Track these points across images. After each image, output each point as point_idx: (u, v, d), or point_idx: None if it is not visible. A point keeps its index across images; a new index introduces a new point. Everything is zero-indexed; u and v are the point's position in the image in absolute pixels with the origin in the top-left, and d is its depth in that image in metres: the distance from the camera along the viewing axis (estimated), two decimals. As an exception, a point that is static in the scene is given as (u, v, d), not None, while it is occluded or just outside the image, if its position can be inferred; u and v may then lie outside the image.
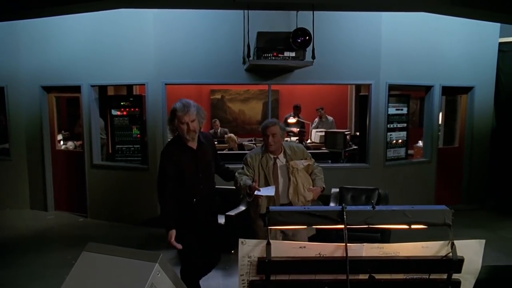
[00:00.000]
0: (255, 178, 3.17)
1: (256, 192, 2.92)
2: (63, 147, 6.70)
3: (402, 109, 5.97)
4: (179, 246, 2.76)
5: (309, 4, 4.48)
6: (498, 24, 6.19)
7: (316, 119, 8.02)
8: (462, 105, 6.61)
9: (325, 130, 7.17)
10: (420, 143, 6.69)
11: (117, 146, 5.79)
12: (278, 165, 3.24)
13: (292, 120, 7.45)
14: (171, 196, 2.86)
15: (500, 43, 6.44)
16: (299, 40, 4.43)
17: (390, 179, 5.66)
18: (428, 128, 6.12)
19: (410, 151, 6.61)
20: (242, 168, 3.26)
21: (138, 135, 5.73)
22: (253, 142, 6.99)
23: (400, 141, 5.97)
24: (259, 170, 3.21)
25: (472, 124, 6.46)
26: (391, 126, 5.82)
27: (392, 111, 5.81)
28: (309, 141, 7.53)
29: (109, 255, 1.79)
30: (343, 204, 1.64)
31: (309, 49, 4.67)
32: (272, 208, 1.67)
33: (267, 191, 2.98)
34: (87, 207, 5.88)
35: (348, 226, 1.60)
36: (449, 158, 6.50)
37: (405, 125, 6.01)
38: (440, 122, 6.60)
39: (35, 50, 5.87)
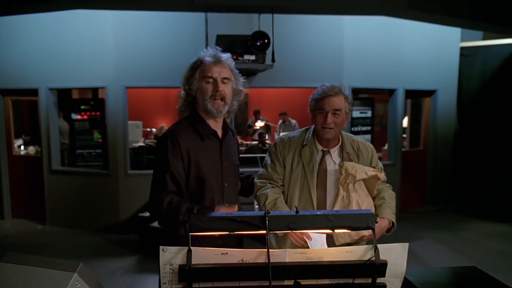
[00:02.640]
0: (285, 185, 1.96)
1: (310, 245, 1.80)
2: (23, 152, 6.48)
3: (366, 112, 6.01)
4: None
5: (268, 7, 4.47)
6: (459, 29, 6.32)
7: (280, 122, 8.10)
8: (426, 108, 6.72)
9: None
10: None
11: (78, 151, 5.63)
12: (328, 164, 1.98)
13: (260, 123, 7.45)
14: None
15: (462, 48, 6.58)
16: (258, 43, 4.41)
17: (354, 182, 5.67)
18: (392, 131, 6.18)
19: (378, 154, 6.65)
20: (264, 166, 2.05)
21: (100, 140, 5.59)
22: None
23: (365, 144, 5.99)
24: (292, 166, 1.96)
25: (436, 127, 6.56)
26: (355, 129, 5.85)
27: (356, 114, 5.85)
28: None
29: (27, 266, 1.69)
30: (267, 209, 1.59)
31: (269, 52, 4.65)
32: (195, 213, 1.61)
33: (317, 243, 1.84)
34: (45, 214, 5.68)
35: (270, 232, 1.56)
36: (413, 160, 6.58)
37: (369, 128, 6.05)
38: (405, 125, 6.68)
39: (-11, 51, 5.66)
